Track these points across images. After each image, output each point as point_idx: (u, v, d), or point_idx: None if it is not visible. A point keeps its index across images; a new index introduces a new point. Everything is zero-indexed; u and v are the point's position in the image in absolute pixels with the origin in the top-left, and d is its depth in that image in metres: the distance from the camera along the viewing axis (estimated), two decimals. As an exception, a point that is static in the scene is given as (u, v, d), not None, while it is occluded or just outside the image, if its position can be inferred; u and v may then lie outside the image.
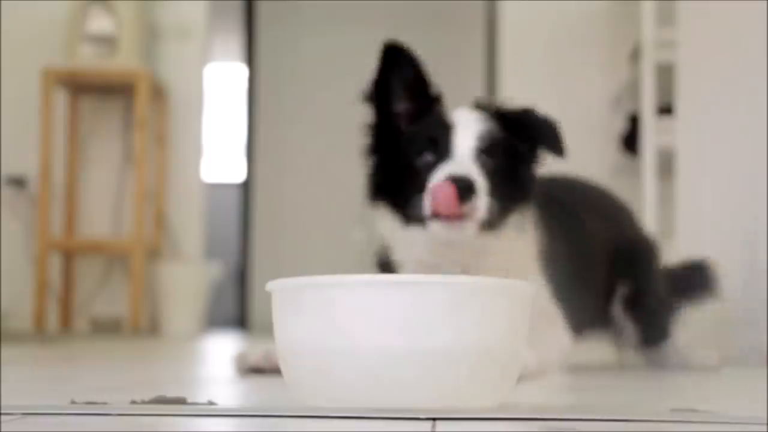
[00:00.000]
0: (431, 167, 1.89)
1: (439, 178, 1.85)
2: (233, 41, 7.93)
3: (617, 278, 2.43)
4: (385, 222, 2.02)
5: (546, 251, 2.11)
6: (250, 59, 7.10)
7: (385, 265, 2.07)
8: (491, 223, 1.92)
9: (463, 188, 1.81)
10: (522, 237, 2.03)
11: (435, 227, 1.88)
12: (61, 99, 5.45)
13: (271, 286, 1.16)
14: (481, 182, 1.86)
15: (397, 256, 2.04)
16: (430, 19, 6.89)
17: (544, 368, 1.97)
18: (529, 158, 2.00)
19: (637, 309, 2.43)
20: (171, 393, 1.24)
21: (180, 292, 5.43)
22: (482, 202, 1.85)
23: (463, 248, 1.95)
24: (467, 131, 1.93)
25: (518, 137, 1.98)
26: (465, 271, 1.96)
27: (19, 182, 5.49)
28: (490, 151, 1.92)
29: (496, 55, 6.29)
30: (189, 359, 2.98)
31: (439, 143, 1.92)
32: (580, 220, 2.41)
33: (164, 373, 2.20)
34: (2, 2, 5.39)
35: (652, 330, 2.47)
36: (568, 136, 1.96)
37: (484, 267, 1.95)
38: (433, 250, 1.97)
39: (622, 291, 2.43)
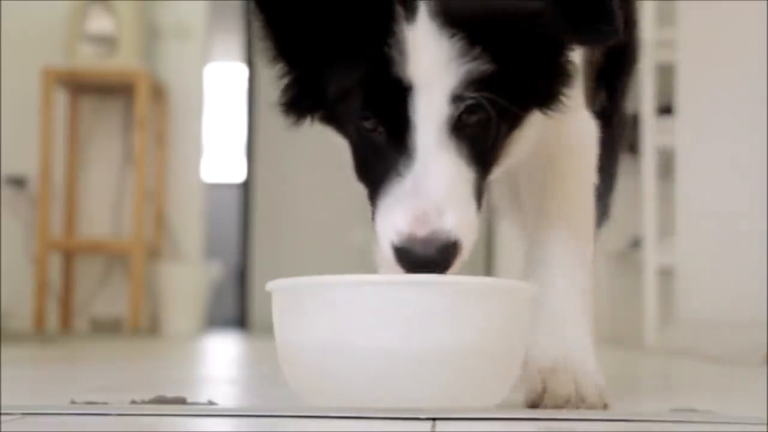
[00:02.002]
0: (378, 153, 1.20)
1: (398, 232, 1.15)
2: (233, 41, 7.93)
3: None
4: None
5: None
6: (250, 59, 7.10)
7: None
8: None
9: (442, 262, 1.14)
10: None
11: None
12: (61, 99, 5.45)
13: (271, 286, 1.16)
14: (464, 195, 1.18)
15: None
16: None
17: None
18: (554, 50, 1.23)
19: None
20: (171, 393, 1.24)
21: (180, 292, 5.43)
22: (468, 243, 1.17)
23: None
24: (434, 85, 1.15)
25: (526, 38, 1.19)
26: None
27: (19, 182, 5.49)
28: (475, 110, 1.17)
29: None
30: (189, 359, 2.98)
31: (386, 108, 1.18)
32: None
33: (164, 373, 2.20)
34: (2, 2, 5.39)
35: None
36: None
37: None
38: None
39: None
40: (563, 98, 1.25)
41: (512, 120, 1.24)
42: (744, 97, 3.05)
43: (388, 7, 1.15)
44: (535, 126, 1.28)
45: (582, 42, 1.24)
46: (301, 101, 1.28)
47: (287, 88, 1.28)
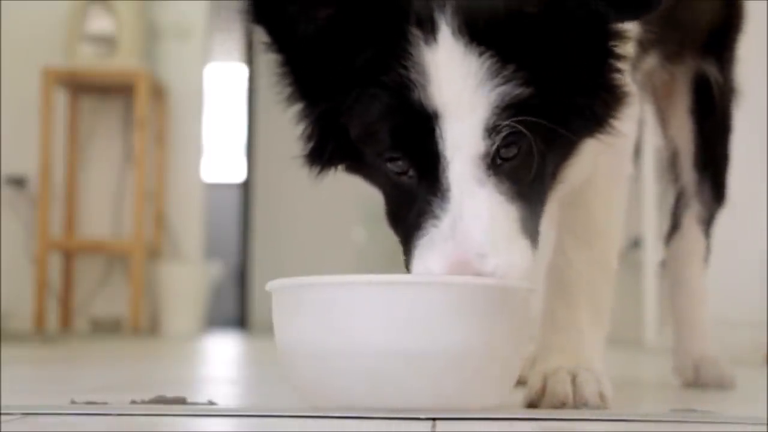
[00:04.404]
0: (411, 197, 1.09)
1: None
2: (233, 41, 7.93)
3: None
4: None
5: None
6: (250, 59, 7.10)
7: None
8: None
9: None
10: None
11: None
12: (61, 99, 5.45)
13: (271, 286, 1.16)
14: (512, 231, 1.07)
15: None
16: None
17: None
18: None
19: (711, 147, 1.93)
20: (171, 393, 1.24)
21: (180, 292, 5.43)
22: (526, 261, 1.09)
23: None
24: (464, 112, 1.04)
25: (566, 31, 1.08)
26: None
27: (19, 182, 5.49)
28: (515, 141, 1.06)
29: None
30: (189, 359, 2.98)
31: (412, 142, 1.07)
32: None
33: (164, 373, 2.20)
34: (2, 2, 5.39)
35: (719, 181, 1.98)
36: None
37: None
38: None
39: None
40: (613, 120, 1.13)
41: (562, 150, 1.13)
42: (743, 96, 3.04)
43: (401, 25, 1.05)
44: (591, 154, 1.19)
45: (625, 20, 1.09)
46: (324, 148, 1.19)
47: (308, 133, 1.20)
